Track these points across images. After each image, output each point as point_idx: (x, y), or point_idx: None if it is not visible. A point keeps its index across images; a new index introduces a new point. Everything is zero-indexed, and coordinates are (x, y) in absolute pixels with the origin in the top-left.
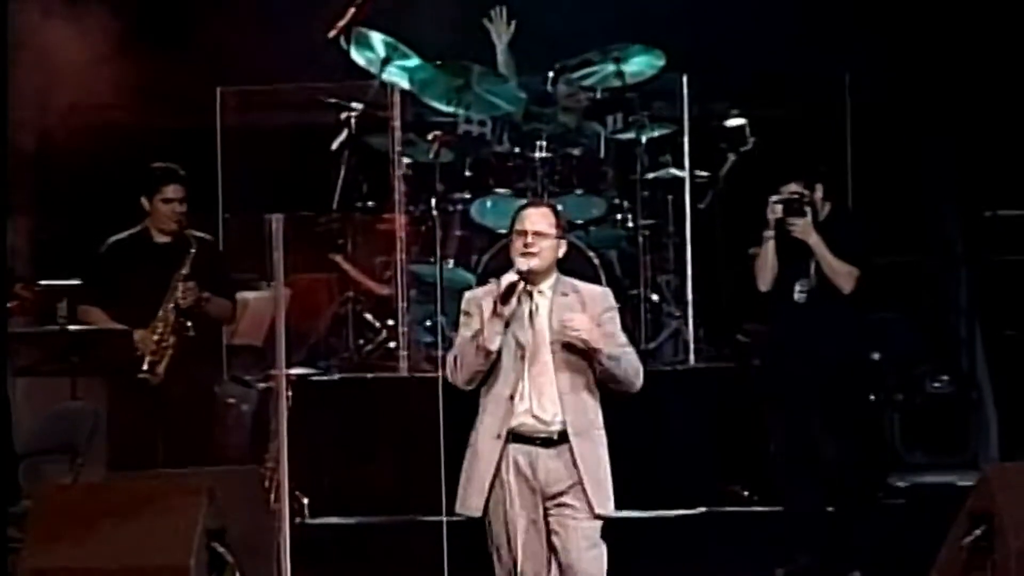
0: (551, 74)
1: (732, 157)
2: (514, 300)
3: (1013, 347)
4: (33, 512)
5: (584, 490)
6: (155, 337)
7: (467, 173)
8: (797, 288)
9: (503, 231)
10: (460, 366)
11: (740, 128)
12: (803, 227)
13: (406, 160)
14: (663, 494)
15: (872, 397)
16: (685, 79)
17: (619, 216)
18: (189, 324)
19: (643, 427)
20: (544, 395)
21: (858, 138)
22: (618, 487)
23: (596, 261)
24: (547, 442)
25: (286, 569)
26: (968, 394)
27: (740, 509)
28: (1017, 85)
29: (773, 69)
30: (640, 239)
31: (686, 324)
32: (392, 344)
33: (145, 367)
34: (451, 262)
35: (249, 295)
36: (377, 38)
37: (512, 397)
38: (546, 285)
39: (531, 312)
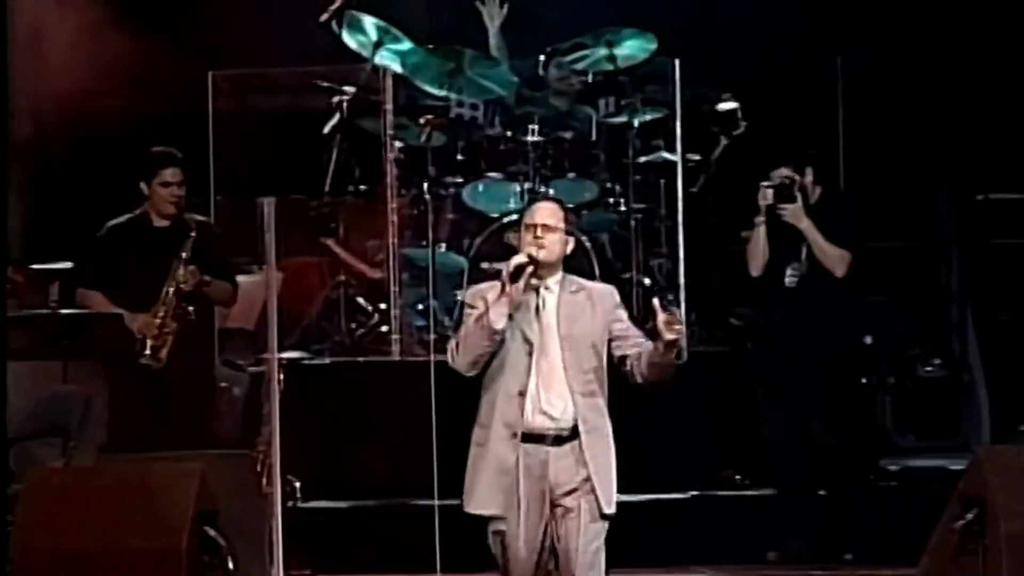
0: (543, 58)
1: (724, 141)
2: (522, 282)
3: (1005, 331)
4: (23, 495)
5: (593, 488)
6: (157, 322)
7: (459, 157)
8: (788, 272)
9: (495, 215)
10: (464, 348)
11: (732, 112)
12: (794, 212)
13: (398, 144)
14: (655, 478)
15: (864, 381)
16: (677, 63)
17: (611, 200)
18: (191, 309)
19: (635, 411)
20: (553, 391)
21: (850, 121)
22: None
23: (588, 245)
24: (558, 440)
25: (278, 552)
26: (960, 377)
27: (732, 493)
28: (1010, 68)
29: (765, 53)
30: (632, 223)
31: (678, 308)
32: (384, 328)
33: (147, 352)
34: (443, 246)
35: (241, 278)
36: (369, 21)
37: (522, 393)
38: (553, 281)
39: (538, 308)
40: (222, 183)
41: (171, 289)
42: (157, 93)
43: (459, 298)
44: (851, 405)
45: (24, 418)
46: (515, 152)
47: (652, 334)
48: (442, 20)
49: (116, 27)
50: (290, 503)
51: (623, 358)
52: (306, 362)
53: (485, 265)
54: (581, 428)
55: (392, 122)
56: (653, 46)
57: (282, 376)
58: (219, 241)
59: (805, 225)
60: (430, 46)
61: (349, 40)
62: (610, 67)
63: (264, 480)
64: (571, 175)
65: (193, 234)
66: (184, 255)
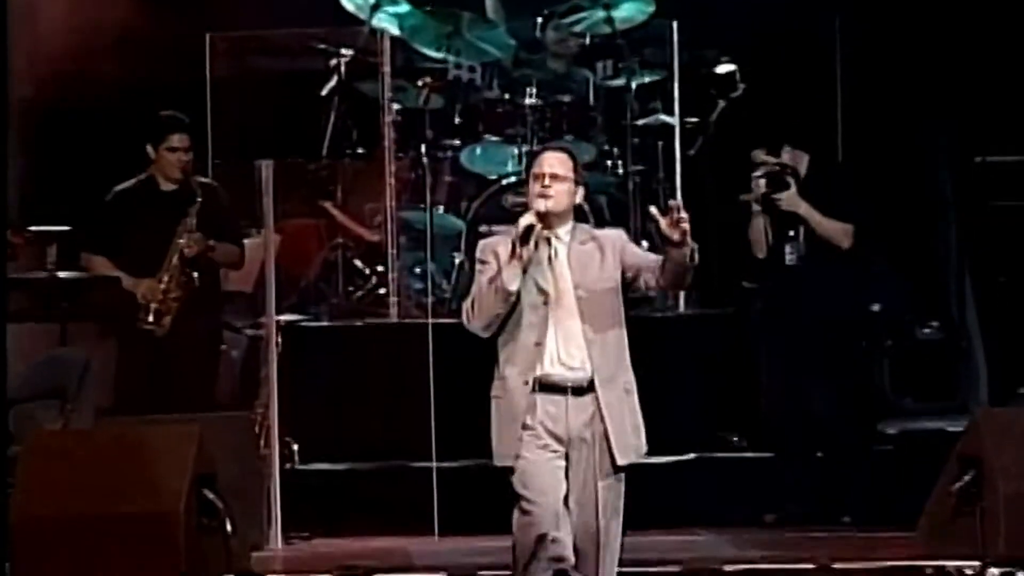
0: (540, 20)
1: (722, 104)
2: (532, 243)
3: (1003, 293)
4: (22, 458)
5: (608, 440)
6: (161, 287)
7: (457, 119)
8: (787, 250)
9: (493, 177)
10: (478, 311)
11: (730, 75)
12: (789, 199)
13: (396, 106)
14: (654, 440)
15: (862, 344)
16: (675, 25)
17: (609, 162)
18: (195, 275)
19: (635, 373)
20: (571, 341)
21: (848, 82)
22: None
23: (586, 207)
24: (577, 391)
25: (276, 515)
26: (958, 340)
27: (731, 455)
28: (1009, 29)
29: (763, 15)
30: (630, 185)
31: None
32: (382, 290)
33: (151, 318)
34: (441, 208)
35: None
36: None
37: (539, 344)
38: (563, 230)
39: (550, 258)
40: (220, 146)
41: (176, 255)
42: (154, 55)
43: (457, 261)
44: (849, 368)
45: (22, 381)
46: (513, 115)
47: (660, 247)
48: None
49: None
50: (288, 465)
51: (637, 274)
52: (304, 324)
53: (483, 228)
54: (597, 379)
55: (390, 85)
56: (651, 8)
57: (280, 339)
58: (226, 204)
59: (804, 210)
60: (428, 8)
61: (347, 2)
62: (608, 29)
63: (262, 442)
64: (569, 138)
65: (199, 199)
66: (189, 220)
